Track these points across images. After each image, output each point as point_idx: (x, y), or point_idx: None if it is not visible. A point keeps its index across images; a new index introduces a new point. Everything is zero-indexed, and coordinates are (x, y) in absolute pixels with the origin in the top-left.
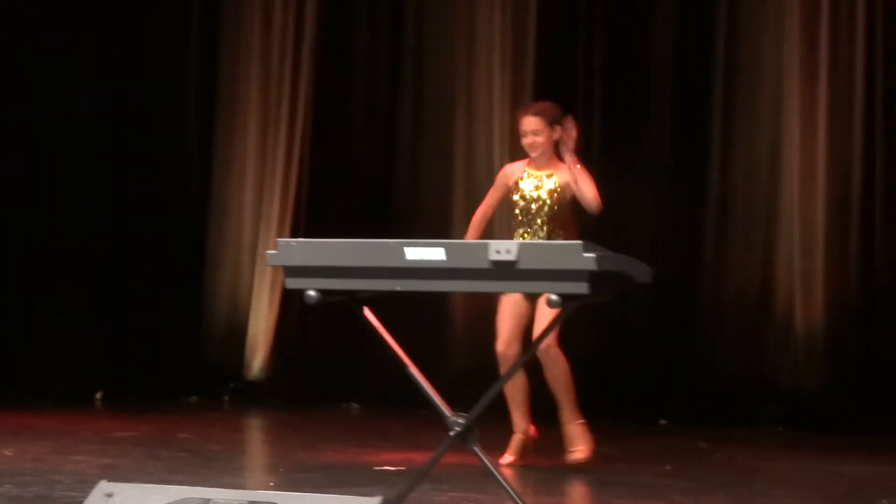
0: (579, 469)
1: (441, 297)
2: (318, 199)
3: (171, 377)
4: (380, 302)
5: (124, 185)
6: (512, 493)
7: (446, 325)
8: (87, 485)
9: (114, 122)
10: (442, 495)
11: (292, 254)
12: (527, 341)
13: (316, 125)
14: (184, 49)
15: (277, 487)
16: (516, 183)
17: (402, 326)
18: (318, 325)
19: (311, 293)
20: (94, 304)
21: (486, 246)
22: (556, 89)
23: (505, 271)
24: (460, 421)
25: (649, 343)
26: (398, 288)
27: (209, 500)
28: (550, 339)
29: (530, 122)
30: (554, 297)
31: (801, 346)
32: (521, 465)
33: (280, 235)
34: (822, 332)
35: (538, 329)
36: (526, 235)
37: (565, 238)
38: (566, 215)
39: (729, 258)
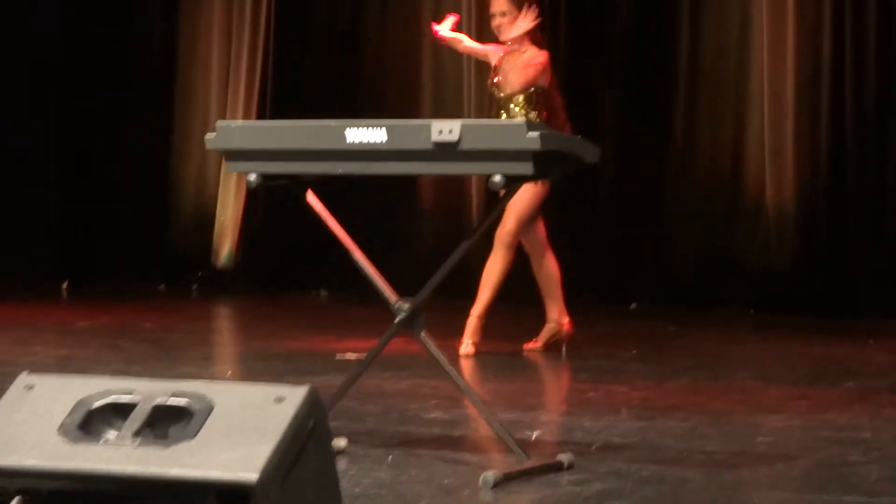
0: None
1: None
2: (285, 85)
3: (139, 266)
4: (325, 185)
5: (87, 70)
6: (458, 380)
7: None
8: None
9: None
10: (401, 382)
11: (231, 137)
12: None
13: (281, 7)
14: None
15: (235, 376)
16: (494, 68)
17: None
18: (286, 212)
19: (252, 177)
20: (60, 193)
21: (428, 126)
22: None
23: (447, 152)
24: (406, 306)
25: (618, 225)
26: (339, 171)
27: (133, 390)
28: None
29: (497, 4)
30: (497, 177)
31: (772, 225)
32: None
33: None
34: (793, 211)
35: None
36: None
37: (547, 120)
38: (543, 97)
39: (698, 136)
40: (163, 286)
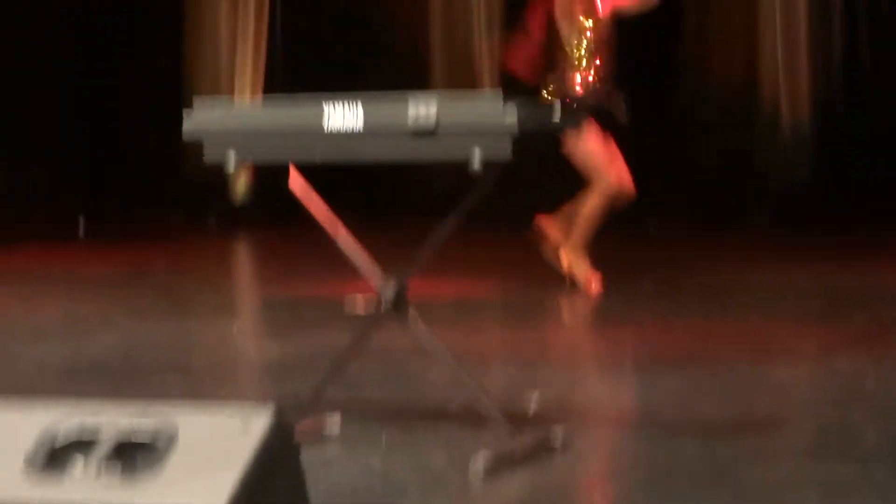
0: None
1: None
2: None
3: (156, 194)
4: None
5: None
6: (451, 365)
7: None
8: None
9: None
10: (405, 335)
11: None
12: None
13: None
14: None
15: (240, 330)
16: None
17: None
18: None
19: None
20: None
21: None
22: None
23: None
24: (390, 291)
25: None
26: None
27: (98, 426)
28: None
29: None
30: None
31: (789, 139)
32: None
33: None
34: (808, 125)
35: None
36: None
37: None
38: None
39: (712, 53)
40: (180, 216)
